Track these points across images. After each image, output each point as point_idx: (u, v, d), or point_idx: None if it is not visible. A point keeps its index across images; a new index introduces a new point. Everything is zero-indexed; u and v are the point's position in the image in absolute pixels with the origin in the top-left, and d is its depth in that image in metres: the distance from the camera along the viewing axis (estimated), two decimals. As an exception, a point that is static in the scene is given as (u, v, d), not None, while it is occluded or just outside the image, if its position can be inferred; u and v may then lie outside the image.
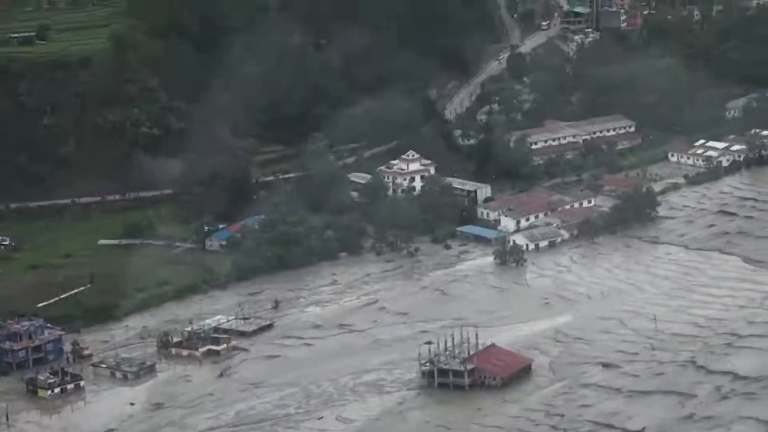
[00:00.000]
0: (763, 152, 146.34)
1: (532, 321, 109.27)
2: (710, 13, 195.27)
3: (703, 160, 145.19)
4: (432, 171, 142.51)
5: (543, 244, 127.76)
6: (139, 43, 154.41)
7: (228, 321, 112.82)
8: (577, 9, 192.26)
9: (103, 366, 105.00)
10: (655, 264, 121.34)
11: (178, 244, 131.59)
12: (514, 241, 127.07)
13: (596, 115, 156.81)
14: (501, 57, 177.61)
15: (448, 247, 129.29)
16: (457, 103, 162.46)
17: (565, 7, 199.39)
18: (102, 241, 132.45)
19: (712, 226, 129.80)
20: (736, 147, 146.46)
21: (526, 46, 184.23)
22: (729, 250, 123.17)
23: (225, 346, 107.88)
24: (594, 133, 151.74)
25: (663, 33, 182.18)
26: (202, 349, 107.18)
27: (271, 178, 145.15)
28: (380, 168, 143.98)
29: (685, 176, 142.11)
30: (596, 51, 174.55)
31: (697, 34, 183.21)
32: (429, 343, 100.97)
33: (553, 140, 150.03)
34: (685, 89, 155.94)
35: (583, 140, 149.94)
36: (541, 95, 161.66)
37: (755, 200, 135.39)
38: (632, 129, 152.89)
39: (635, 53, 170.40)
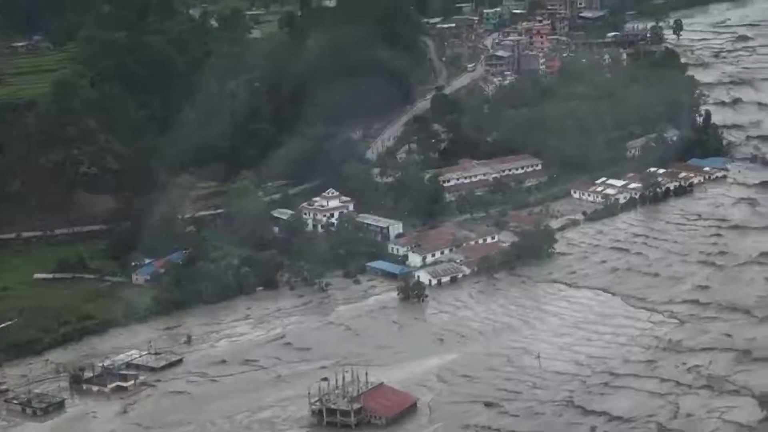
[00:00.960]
0: (658, 190, 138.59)
1: (424, 358, 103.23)
2: (620, 56, 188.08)
3: (602, 198, 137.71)
4: (351, 207, 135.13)
5: (445, 279, 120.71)
6: (81, 88, 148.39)
7: (140, 356, 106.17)
8: (499, 53, 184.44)
9: (15, 402, 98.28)
10: (546, 300, 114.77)
11: (107, 278, 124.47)
12: (418, 276, 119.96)
13: (508, 154, 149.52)
14: (427, 98, 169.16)
15: (357, 282, 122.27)
16: (380, 143, 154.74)
17: (490, 51, 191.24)
18: (37, 275, 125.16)
19: (603, 262, 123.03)
20: (633, 185, 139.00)
21: (452, 87, 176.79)
22: (615, 287, 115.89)
23: (132, 382, 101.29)
24: (504, 171, 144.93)
25: (575, 76, 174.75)
26: (111, 385, 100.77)
27: (202, 213, 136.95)
28: (302, 204, 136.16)
29: (584, 213, 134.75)
30: (513, 93, 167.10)
31: (606, 77, 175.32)
32: (325, 379, 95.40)
33: (465, 178, 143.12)
34: (591, 130, 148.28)
35: (493, 178, 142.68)
36: (457, 135, 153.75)
37: (646, 237, 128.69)
38: (539, 167, 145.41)
39: (548, 95, 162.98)
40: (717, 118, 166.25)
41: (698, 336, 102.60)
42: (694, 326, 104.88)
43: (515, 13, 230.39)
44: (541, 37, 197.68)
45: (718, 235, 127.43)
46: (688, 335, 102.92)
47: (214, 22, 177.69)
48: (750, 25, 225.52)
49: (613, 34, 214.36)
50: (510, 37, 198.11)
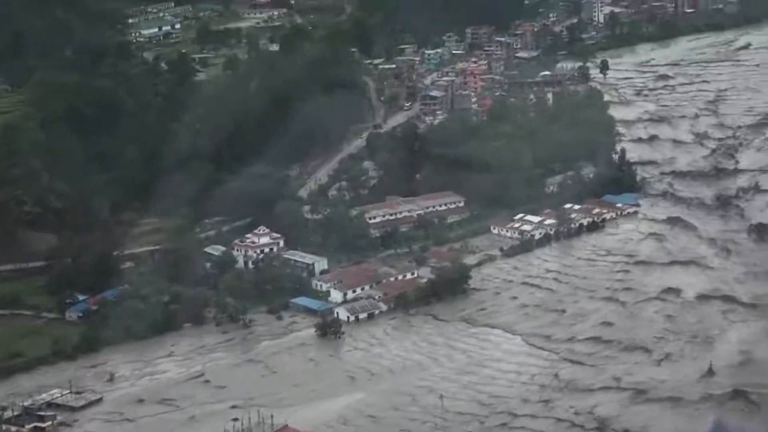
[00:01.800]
0: (572, 226, 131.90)
1: (334, 397, 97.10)
2: (544, 95, 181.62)
3: (518, 234, 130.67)
4: (281, 244, 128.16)
5: (362, 316, 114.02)
6: (30, 130, 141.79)
7: (62, 395, 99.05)
8: (433, 93, 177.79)
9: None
10: (456, 338, 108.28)
11: (43, 314, 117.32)
12: (337, 313, 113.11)
13: (434, 191, 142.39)
14: (363, 136, 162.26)
15: (280, 318, 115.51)
16: (313, 181, 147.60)
17: (426, 90, 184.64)
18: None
19: (515, 298, 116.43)
20: (548, 221, 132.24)
21: (388, 125, 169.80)
22: (522, 324, 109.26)
23: (50, 423, 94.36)
24: (428, 208, 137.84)
25: (503, 115, 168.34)
26: (29, 426, 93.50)
27: (140, 249, 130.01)
28: (235, 241, 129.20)
29: (501, 249, 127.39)
30: (443, 131, 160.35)
31: (530, 116, 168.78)
32: (235, 420, 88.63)
33: (391, 215, 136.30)
34: (512, 167, 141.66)
35: (417, 215, 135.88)
36: (388, 172, 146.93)
37: (557, 272, 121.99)
38: (462, 204, 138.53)
39: (475, 133, 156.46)
40: (634, 154, 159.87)
41: (596, 375, 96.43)
42: (593, 365, 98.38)
43: (455, 54, 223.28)
44: (474, 77, 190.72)
45: (625, 271, 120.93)
46: (586, 375, 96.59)
47: (164, 65, 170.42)
48: (671, 64, 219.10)
49: (543, 73, 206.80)
50: (445, 78, 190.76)
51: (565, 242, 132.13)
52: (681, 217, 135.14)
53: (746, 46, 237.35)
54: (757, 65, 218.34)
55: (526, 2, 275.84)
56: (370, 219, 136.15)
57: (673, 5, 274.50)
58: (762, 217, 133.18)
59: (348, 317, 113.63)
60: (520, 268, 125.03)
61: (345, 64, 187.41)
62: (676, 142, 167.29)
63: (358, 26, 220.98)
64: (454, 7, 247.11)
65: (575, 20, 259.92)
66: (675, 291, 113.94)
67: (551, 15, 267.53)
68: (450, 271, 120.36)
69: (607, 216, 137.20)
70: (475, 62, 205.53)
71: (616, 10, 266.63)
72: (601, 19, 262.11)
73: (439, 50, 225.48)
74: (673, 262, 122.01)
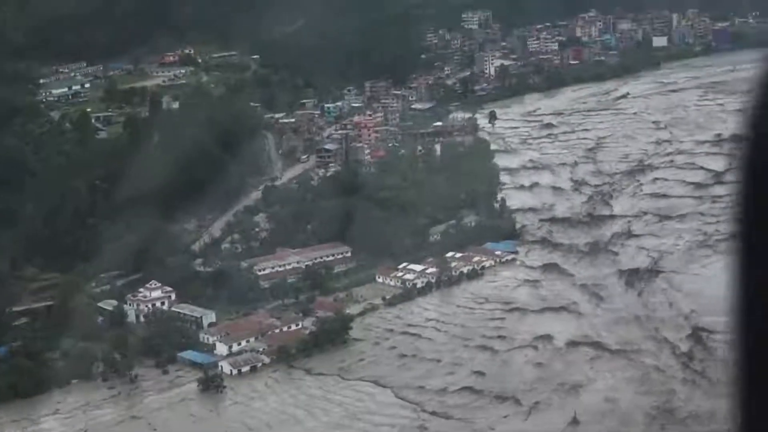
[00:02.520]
0: (453, 274, 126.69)
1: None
2: (433, 146, 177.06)
3: (401, 283, 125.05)
4: (173, 297, 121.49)
5: (245, 369, 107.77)
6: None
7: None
8: (328, 146, 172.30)
9: None
10: (334, 390, 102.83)
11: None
12: (221, 366, 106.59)
13: (324, 241, 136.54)
14: (260, 188, 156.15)
15: (166, 373, 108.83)
16: (207, 234, 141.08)
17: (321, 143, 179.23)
18: None
19: (393, 348, 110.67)
20: (430, 270, 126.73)
21: (285, 178, 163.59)
22: (399, 375, 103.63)
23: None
24: (315, 258, 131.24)
25: (393, 166, 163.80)
26: None
27: (36, 305, 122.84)
28: (128, 296, 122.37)
29: (383, 298, 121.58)
30: (334, 183, 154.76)
31: (419, 166, 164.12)
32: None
33: (280, 266, 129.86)
34: (397, 217, 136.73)
35: (306, 266, 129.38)
36: (278, 224, 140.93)
37: (437, 321, 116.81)
38: (349, 254, 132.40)
39: (365, 185, 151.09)
40: (515, 201, 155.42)
41: (463, 428, 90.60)
42: (460, 418, 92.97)
43: (354, 106, 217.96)
44: (368, 129, 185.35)
45: (501, 318, 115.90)
46: (453, 428, 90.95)
47: (68, 124, 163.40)
48: (555, 113, 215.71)
49: (435, 124, 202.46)
50: (340, 131, 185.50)
51: (446, 290, 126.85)
52: (556, 263, 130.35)
53: (625, 96, 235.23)
54: (634, 113, 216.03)
55: (423, 56, 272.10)
56: (259, 271, 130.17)
57: (559, 57, 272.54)
58: (632, 262, 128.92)
59: (231, 371, 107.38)
60: (402, 317, 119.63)
61: (245, 120, 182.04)
62: (556, 189, 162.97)
63: (261, 82, 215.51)
64: (355, 63, 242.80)
65: (468, 73, 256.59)
66: (546, 338, 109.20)
67: (446, 68, 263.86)
68: (332, 321, 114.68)
69: (487, 264, 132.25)
70: (370, 115, 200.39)
71: (506, 62, 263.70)
72: (492, 72, 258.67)
73: (338, 103, 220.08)
74: (546, 309, 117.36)
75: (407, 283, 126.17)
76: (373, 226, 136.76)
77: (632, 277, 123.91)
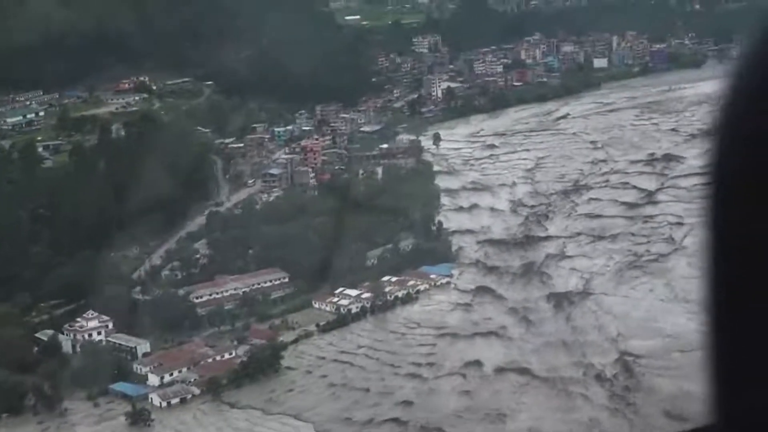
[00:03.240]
0: (388, 298, 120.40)
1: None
2: (375, 169, 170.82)
3: (336, 308, 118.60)
4: (110, 327, 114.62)
5: (175, 401, 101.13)
6: None
7: None
8: (273, 170, 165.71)
9: None
10: (259, 422, 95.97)
11: None
12: (151, 398, 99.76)
13: (263, 267, 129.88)
14: (205, 213, 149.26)
15: (97, 406, 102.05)
16: (149, 262, 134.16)
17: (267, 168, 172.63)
18: None
19: (324, 377, 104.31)
20: (366, 294, 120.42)
21: (230, 203, 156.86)
22: (326, 406, 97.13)
23: None
24: (253, 285, 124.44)
25: (336, 189, 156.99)
26: None
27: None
28: (65, 326, 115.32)
29: (317, 325, 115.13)
30: (277, 208, 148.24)
31: (360, 189, 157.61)
32: None
33: (217, 293, 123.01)
34: (335, 242, 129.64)
35: (243, 292, 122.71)
36: (218, 250, 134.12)
37: (369, 347, 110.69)
38: (286, 280, 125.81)
39: (305, 209, 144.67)
40: (453, 223, 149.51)
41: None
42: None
43: (305, 130, 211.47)
44: (314, 153, 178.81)
45: (432, 344, 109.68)
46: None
47: (16, 153, 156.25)
48: (497, 134, 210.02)
49: (381, 146, 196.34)
50: (287, 155, 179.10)
51: (380, 315, 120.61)
52: (489, 286, 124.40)
53: (565, 116, 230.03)
54: (573, 133, 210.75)
55: (373, 80, 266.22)
56: (196, 298, 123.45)
57: (503, 79, 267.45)
58: (564, 284, 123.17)
59: (161, 403, 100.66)
60: (335, 344, 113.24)
61: (193, 145, 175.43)
62: (494, 211, 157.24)
63: (213, 108, 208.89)
64: (307, 87, 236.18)
65: (416, 95, 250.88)
66: (475, 364, 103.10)
67: (395, 91, 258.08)
68: (265, 350, 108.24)
69: (422, 287, 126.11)
70: (317, 138, 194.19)
71: (453, 85, 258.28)
72: (440, 94, 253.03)
73: (289, 127, 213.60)
74: (476, 334, 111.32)
75: (342, 309, 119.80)
76: (311, 250, 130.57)
77: (563, 299, 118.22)
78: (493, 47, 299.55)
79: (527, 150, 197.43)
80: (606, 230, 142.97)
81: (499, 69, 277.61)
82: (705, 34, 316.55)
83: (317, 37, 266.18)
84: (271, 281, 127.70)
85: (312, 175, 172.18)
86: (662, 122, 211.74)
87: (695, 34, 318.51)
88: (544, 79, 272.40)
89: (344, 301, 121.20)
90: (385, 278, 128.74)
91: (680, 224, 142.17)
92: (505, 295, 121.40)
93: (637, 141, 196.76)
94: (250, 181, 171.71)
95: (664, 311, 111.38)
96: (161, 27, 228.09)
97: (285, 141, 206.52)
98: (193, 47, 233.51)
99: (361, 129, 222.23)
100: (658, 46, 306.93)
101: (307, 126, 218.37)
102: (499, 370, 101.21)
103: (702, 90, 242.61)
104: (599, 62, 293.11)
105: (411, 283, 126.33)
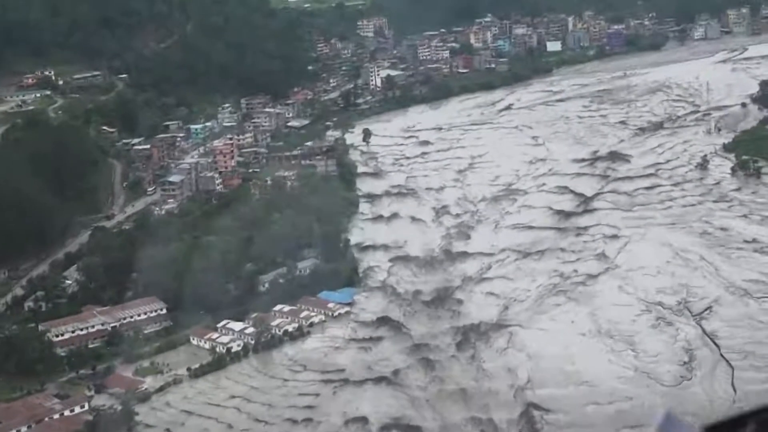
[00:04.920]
0: (276, 332, 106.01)
1: None
2: (286, 173, 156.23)
3: (215, 346, 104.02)
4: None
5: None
6: None
7: None
8: (172, 177, 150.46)
9: None
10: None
11: None
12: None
13: (143, 295, 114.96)
14: (91, 229, 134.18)
15: None
16: (12, 291, 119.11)
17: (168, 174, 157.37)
18: None
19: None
20: (250, 329, 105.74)
21: (122, 215, 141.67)
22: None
23: None
24: (125, 318, 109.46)
25: (239, 198, 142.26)
26: None
27: None
28: None
29: (188, 369, 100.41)
30: (168, 222, 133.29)
31: (267, 198, 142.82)
32: None
33: (81, 329, 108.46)
34: (224, 265, 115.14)
35: (112, 327, 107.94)
36: (95, 276, 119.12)
37: (243, 398, 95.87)
38: (163, 311, 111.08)
39: (198, 224, 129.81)
40: (367, 237, 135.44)
41: None
42: None
43: (227, 126, 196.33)
44: (224, 155, 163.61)
45: (315, 394, 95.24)
46: None
47: None
48: (435, 129, 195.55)
49: (307, 144, 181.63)
50: (200, 157, 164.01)
51: (263, 355, 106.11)
52: (392, 317, 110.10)
53: (509, 107, 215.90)
54: (516, 127, 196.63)
55: (310, 68, 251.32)
56: (56, 336, 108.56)
57: (448, 66, 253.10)
58: (477, 314, 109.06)
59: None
60: (206, 392, 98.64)
61: (89, 149, 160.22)
62: (415, 221, 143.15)
63: (124, 104, 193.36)
64: (234, 78, 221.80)
65: (352, 85, 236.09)
66: (360, 421, 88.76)
67: (332, 80, 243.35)
68: (122, 403, 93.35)
69: (316, 319, 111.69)
70: (231, 138, 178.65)
71: (393, 73, 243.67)
72: (379, 83, 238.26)
73: (208, 124, 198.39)
74: (368, 380, 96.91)
75: (221, 348, 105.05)
76: (197, 275, 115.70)
77: (472, 334, 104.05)
78: (442, 30, 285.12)
79: (463, 147, 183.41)
80: (534, 245, 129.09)
81: (446, 54, 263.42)
82: (666, 14, 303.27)
83: (248, 23, 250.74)
84: (146, 313, 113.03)
85: (219, 181, 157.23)
86: (611, 114, 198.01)
87: (656, 13, 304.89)
88: (492, 66, 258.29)
89: (225, 338, 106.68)
90: (277, 307, 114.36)
91: (615, 237, 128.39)
92: (410, 329, 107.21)
93: (582, 136, 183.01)
94: (151, 189, 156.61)
95: (584, 349, 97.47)
96: (72, 15, 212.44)
97: (203, 139, 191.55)
98: (108, 36, 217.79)
99: (288, 124, 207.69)
100: (616, 27, 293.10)
101: (229, 122, 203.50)
102: (386, 429, 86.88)
103: (657, 76, 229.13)
104: (553, 45, 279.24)
105: (304, 314, 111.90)
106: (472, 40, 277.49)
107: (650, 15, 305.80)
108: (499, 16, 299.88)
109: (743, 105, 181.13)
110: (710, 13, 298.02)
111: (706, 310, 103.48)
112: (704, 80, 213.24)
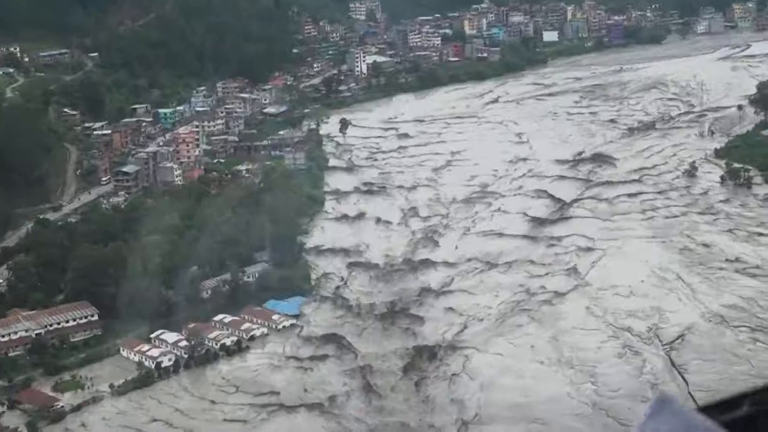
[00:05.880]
0: (213, 345, 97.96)
1: None
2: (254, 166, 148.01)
3: (145, 359, 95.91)
4: None
5: None
6: None
7: None
8: (127, 168, 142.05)
9: None
10: None
11: None
12: None
13: (76, 298, 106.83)
14: (33, 221, 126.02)
15: None
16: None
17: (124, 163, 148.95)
18: None
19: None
20: (184, 342, 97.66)
21: (69, 207, 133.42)
22: None
23: None
24: (53, 324, 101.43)
25: (194, 193, 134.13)
26: None
27: None
28: None
29: (111, 386, 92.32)
30: (113, 219, 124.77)
31: (225, 192, 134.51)
32: None
33: (3, 335, 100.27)
34: (165, 266, 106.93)
35: (36, 334, 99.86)
36: (27, 275, 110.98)
37: (166, 423, 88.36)
38: (95, 317, 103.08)
39: (142, 222, 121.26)
40: (327, 238, 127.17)
41: None
42: None
43: (198, 111, 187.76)
44: (188, 144, 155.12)
45: (243, 420, 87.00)
46: None
47: None
48: (417, 120, 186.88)
49: (280, 133, 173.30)
50: (149, 148, 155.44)
51: (196, 371, 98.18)
52: (340, 333, 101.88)
53: (496, 100, 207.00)
54: (500, 122, 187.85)
55: (295, 51, 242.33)
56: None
57: (438, 54, 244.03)
58: (432, 333, 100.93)
59: None
60: (126, 413, 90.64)
61: (41, 133, 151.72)
62: (381, 222, 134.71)
63: (91, 85, 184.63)
64: (213, 59, 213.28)
65: (335, 71, 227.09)
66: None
67: (316, 65, 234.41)
68: (28, 423, 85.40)
69: (258, 332, 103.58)
70: (196, 126, 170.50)
71: (380, 59, 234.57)
72: (364, 69, 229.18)
73: (180, 108, 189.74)
74: (301, 406, 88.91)
75: (150, 362, 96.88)
76: (136, 278, 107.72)
77: (423, 356, 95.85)
78: (437, 15, 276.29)
79: (443, 142, 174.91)
80: (502, 255, 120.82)
81: (437, 41, 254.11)
82: (670, 6, 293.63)
83: (232, 1, 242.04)
84: (76, 319, 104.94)
85: (178, 172, 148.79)
86: (602, 111, 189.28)
87: (659, 5, 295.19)
88: (485, 54, 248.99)
89: (155, 351, 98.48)
90: (218, 317, 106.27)
91: (590, 249, 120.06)
92: (356, 347, 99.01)
93: (569, 134, 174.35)
94: (105, 179, 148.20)
95: (541, 380, 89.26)
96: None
97: (172, 125, 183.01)
98: (82, 13, 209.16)
99: (264, 110, 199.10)
100: (617, 17, 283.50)
101: (202, 106, 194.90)
102: (311, 467, 78.97)
103: (654, 72, 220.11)
104: (549, 35, 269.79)
105: (246, 326, 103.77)
106: (466, 27, 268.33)
107: (653, 6, 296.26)
108: (497, 3, 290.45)
109: (739, 107, 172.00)
110: (715, 7, 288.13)
111: (677, 338, 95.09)
112: (702, 78, 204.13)
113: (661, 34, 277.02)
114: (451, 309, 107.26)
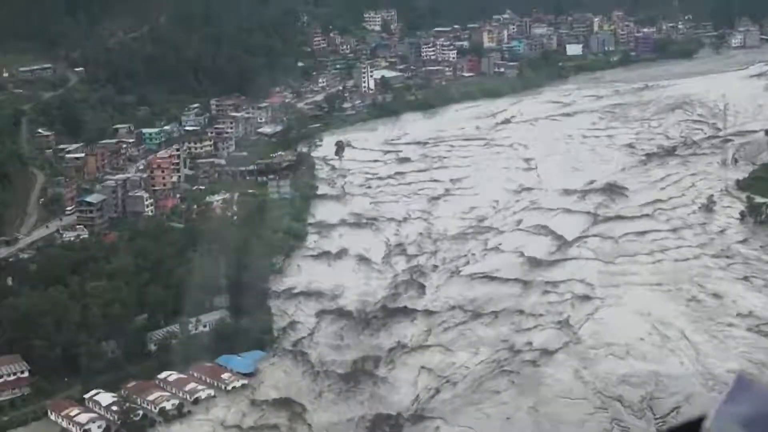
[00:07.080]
0: (152, 410, 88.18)
1: None
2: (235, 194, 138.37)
3: (70, 425, 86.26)
4: None
5: None
6: None
7: None
8: (89, 198, 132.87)
9: None
10: None
11: None
12: None
13: (2, 352, 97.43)
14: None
15: None
16: None
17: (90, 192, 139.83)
18: None
19: None
20: (116, 406, 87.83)
21: (25, 241, 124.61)
22: None
23: None
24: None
25: (158, 229, 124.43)
26: None
27: None
28: None
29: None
30: (63, 258, 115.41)
31: (193, 226, 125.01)
32: None
33: None
34: (112, 315, 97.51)
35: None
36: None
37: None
38: (26, 373, 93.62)
39: (100, 261, 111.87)
40: (303, 279, 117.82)
41: None
42: None
43: (188, 130, 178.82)
44: (164, 171, 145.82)
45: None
46: None
47: None
48: (420, 143, 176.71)
49: (273, 155, 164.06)
50: (118, 175, 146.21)
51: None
52: (295, 398, 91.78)
53: (509, 120, 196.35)
54: (510, 145, 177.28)
55: (300, 64, 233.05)
56: None
57: (452, 69, 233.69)
58: (397, 399, 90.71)
59: None
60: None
61: (5, 156, 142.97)
62: (362, 261, 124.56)
63: (73, 102, 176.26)
64: (209, 74, 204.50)
65: (339, 88, 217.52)
66: None
67: (321, 80, 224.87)
68: None
69: (203, 394, 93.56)
70: (177, 149, 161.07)
71: (389, 74, 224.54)
72: (371, 85, 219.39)
73: (167, 127, 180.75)
74: (235, 489, 78.52)
75: (78, 429, 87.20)
76: (73, 330, 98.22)
77: (382, 428, 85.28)
78: (456, 26, 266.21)
79: (444, 168, 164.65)
80: (489, 303, 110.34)
81: (452, 55, 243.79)
82: (704, 17, 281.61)
83: (233, 11, 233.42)
84: (2, 376, 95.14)
85: (149, 201, 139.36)
86: (620, 134, 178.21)
87: (692, 16, 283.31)
88: (502, 70, 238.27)
89: (84, 417, 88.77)
90: (162, 375, 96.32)
91: (587, 298, 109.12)
92: (310, 416, 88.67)
93: (582, 160, 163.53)
94: (70, 209, 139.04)
95: (512, 463, 78.49)
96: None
97: (157, 146, 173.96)
98: (71, 24, 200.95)
99: (259, 130, 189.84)
100: (646, 30, 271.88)
101: (193, 125, 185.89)
102: None
103: (681, 90, 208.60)
104: (573, 48, 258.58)
105: (191, 386, 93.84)
106: (485, 40, 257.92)
107: (686, 17, 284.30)
108: (520, 13, 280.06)
109: (767, 132, 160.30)
110: (752, 18, 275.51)
111: (672, 411, 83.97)
112: (731, 98, 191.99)
113: (693, 47, 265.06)
114: (424, 368, 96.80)
